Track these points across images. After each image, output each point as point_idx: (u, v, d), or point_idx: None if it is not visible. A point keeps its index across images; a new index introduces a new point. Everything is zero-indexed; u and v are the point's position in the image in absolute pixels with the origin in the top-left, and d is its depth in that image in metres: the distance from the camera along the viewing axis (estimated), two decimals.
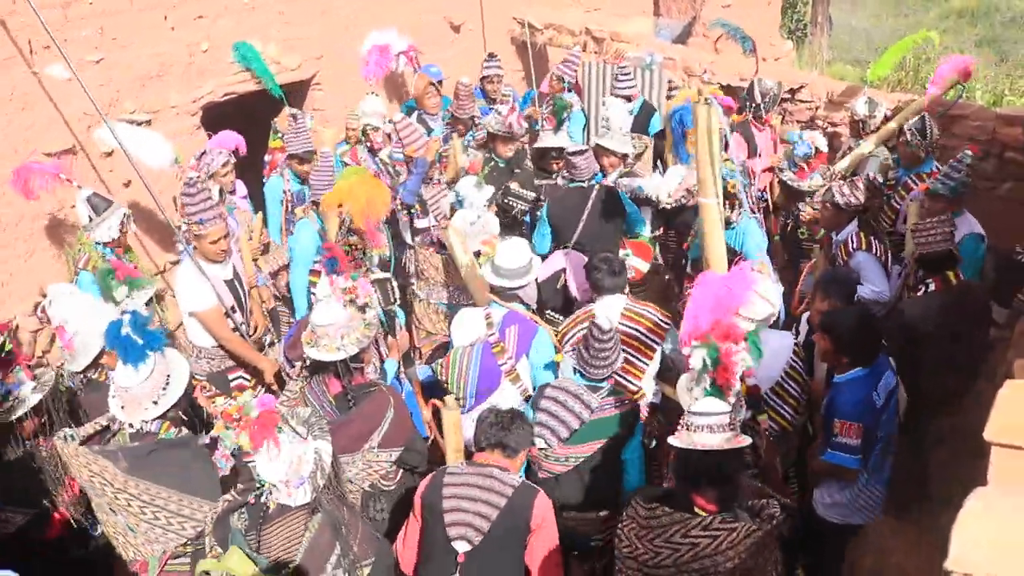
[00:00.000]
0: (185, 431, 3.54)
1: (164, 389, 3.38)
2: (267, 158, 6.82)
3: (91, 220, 5.08)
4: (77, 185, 5.31)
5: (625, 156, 6.41)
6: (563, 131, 6.67)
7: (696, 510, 3.01)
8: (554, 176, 6.47)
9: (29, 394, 3.54)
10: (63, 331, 3.97)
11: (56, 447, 3.32)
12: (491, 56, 7.88)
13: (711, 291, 3.48)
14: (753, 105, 7.12)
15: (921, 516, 4.66)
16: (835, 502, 4.24)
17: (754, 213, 5.80)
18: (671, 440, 3.11)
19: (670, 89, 8.05)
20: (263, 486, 2.98)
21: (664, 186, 5.79)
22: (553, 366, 4.62)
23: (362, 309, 4.10)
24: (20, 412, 3.52)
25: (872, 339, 4.13)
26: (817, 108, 7.79)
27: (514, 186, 6.47)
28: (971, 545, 1.53)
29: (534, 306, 5.09)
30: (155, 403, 3.36)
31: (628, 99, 7.37)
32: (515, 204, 6.44)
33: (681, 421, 3.14)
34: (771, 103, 7.16)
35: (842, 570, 4.59)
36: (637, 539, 3.06)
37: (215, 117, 6.81)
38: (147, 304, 4.64)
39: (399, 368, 4.98)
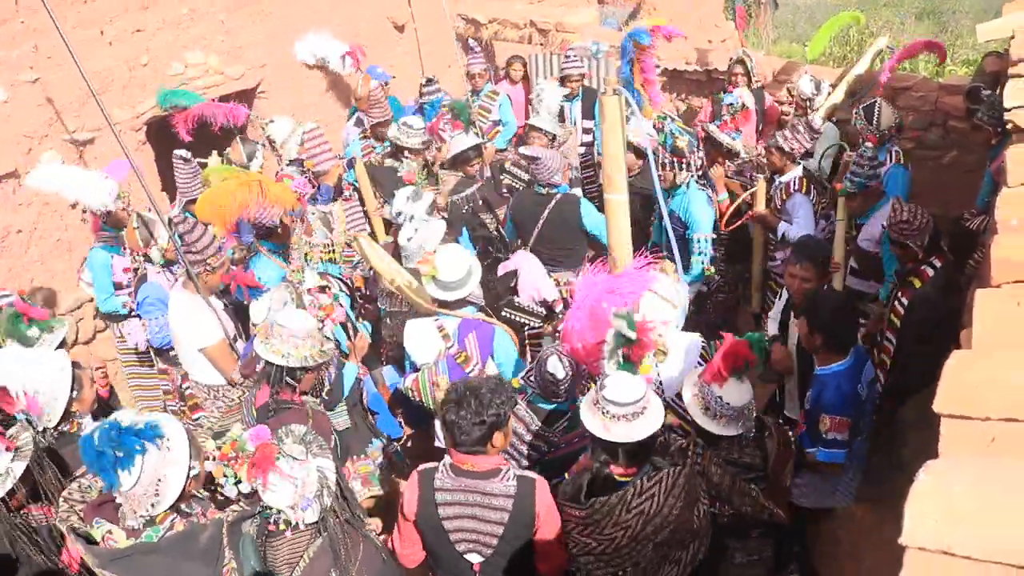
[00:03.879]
0: (183, 526, 3.05)
1: (156, 495, 2.94)
2: None
3: None
4: None
5: (554, 137, 6.58)
6: (472, 131, 6.79)
7: (616, 477, 3.05)
8: (475, 178, 6.50)
9: (10, 464, 3.20)
10: (26, 396, 3.63)
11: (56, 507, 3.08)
12: (429, 81, 7.67)
13: (593, 295, 3.50)
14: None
15: (896, 495, 4.72)
16: (810, 489, 4.20)
17: (701, 184, 5.86)
18: (586, 422, 3.06)
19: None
20: (268, 511, 2.93)
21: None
22: (520, 364, 4.61)
23: (327, 337, 3.99)
24: (8, 487, 3.16)
25: (849, 324, 4.11)
26: (763, 87, 7.85)
27: (509, 164, 6.62)
28: (923, 519, 1.53)
29: (482, 303, 5.04)
30: (153, 505, 2.94)
31: (581, 78, 7.59)
32: (513, 182, 6.57)
33: (594, 396, 3.08)
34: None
35: (816, 545, 4.64)
36: (585, 536, 3.07)
37: (164, 132, 6.69)
38: (60, 346, 4.34)
39: (360, 373, 4.89)
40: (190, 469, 3.01)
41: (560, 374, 3.69)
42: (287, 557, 3.00)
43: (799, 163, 5.87)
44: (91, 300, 6.08)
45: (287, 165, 6.51)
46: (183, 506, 3.06)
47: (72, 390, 3.74)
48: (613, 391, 3.01)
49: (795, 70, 7.72)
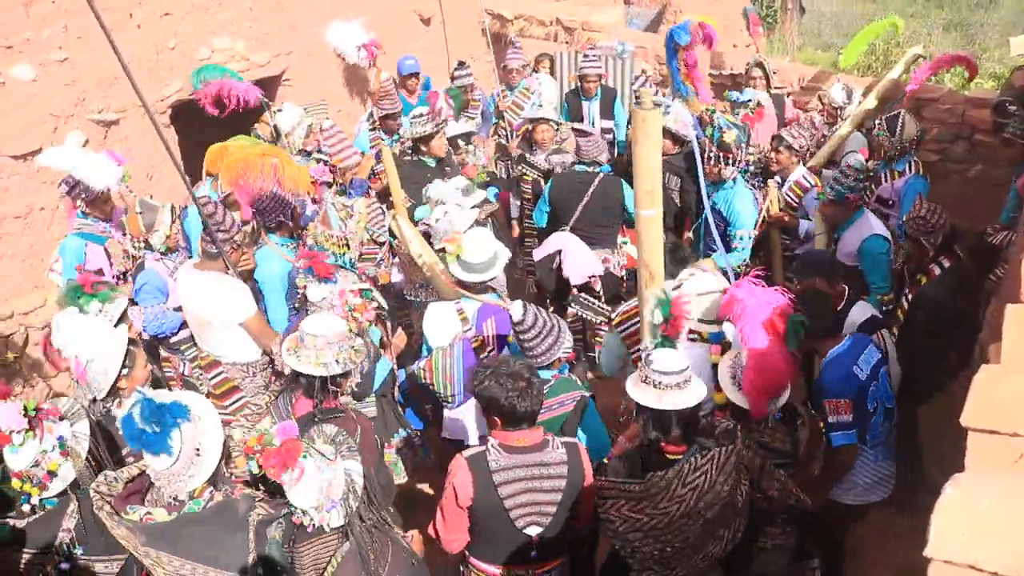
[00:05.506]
0: (220, 497, 3.08)
1: (194, 465, 2.96)
2: None
3: None
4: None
5: (559, 126, 6.67)
6: (463, 118, 7.02)
7: (667, 456, 3.18)
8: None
9: (72, 428, 3.18)
10: (78, 363, 3.68)
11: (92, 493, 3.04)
12: (461, 64, 7.72)
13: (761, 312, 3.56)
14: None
15: (923, 504, 4.69)
16: (850, 484, 4.22)
17: (750, 182, 5.94)
18: (637, 397, 3.18)
19: (644, 78, 8.10)
20: (295, 509, 2.89)
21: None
22: None
23: (359, 334, 3.91)
24: (86, 449, 3.17)
25: (827, 310, 4.14)
26: (789, 94, 7.83)
27: (528, 156, 6.68)
28: (950, 532, 1.53)
29: (505, 292, 5.05)
30: (192, 476, 2.98)
31: (599, 78, 7.62)
32: (530, 173, 6.64)
33: (641, 374, 3.22)
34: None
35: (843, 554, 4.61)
36: (636, 512, 3.13)
37: (190, 115, 6.72)
38: (120, 320, 4.24)
39: (394, 367, 4.83)
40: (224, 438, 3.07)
41: (517, 316, 3.75)
42: (314, 561, 2.96)
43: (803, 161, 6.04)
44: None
45: (294, 155, 6.36)
46: (218, 482, 3.09)
47: (124, 366, 3.72)
48: (661, 363, 3.17)
49: (827, 79, 7.69)
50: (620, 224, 6.03)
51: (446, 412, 4.62)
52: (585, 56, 7.63)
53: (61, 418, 3.20)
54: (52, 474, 3.08)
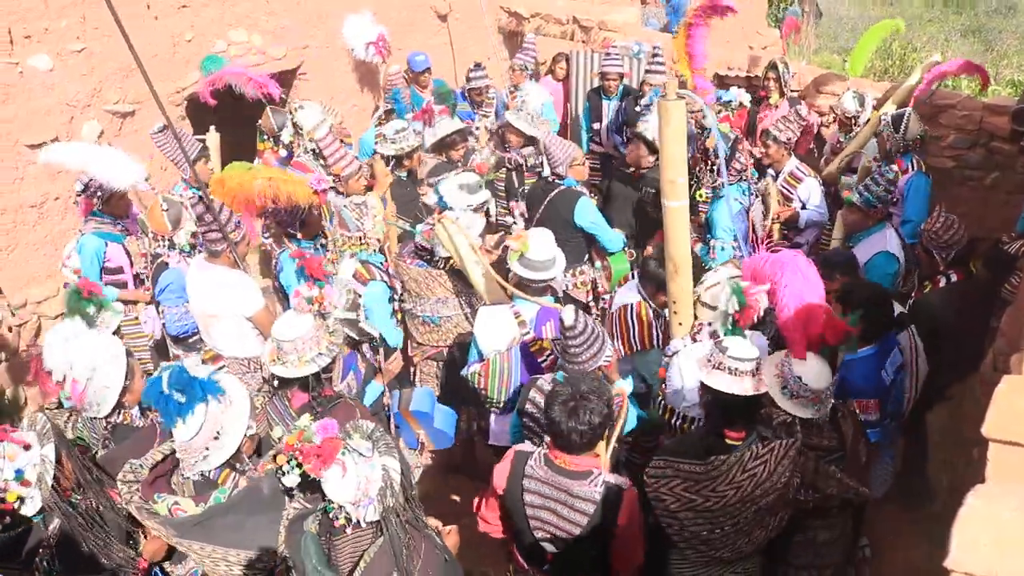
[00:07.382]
0: (245, 482, 3.18)
1: (210, 449, 3.05)
2: (257, 161, 6.33)
3: None
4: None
5: (532, 139, 6.62)
6: (456, 116, 6.93)
7: (728, 442, 3.21)
8: (458, 164, 6.49)
9: (41, 452, 3.02)
10: (75, 383, 3.53)
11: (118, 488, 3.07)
12: (477, 66, 7.69)
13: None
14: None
15: (926, 507, 4.70)
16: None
17: (744, 189, 5.92)
18: (712, 383, 3.19)
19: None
20: (331, 504, 2.89)
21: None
22: None
23: (324, 316, 3.95)
24: (51, 476, 3.00)
25: (886, 314, 4.15)
26: (804, 97, 7.79)
27: (500, 153, 6.72)
28: (972, 545, 1.51)
29: (561, 295, 4.99)
30: (205, 458, 3.06)
31: (620, 77, 7.65)
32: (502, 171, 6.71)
33: (712, 359, 3.24)
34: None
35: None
36: (692, 493, 3.18)
37: (205, 107, 6.72)
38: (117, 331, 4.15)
39: (384, 392, 4.75)
40: (248, 428, 3.16)
41: (569, 320, 3.64)
42: (351, 555, 2.95)
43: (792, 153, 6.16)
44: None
45: (304, 153, 6.28)
46: (238, 465, 3.18)
47: (125, 379, 3.63)
48: (737, 350, 3.21)
49: (830, 81, 7.68)
50: (583, 242, 5.86)
51: (492, 419, 4.57)
52: (607, 54, 7.65)
53: (26, 447, 3.01)
54: (21, 500, 2.96)
